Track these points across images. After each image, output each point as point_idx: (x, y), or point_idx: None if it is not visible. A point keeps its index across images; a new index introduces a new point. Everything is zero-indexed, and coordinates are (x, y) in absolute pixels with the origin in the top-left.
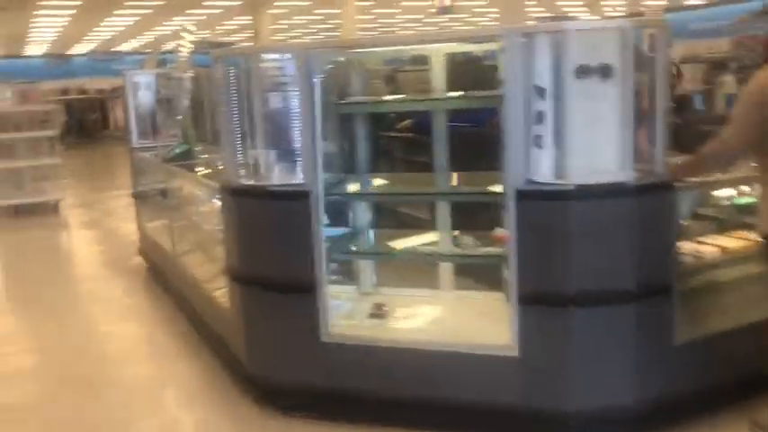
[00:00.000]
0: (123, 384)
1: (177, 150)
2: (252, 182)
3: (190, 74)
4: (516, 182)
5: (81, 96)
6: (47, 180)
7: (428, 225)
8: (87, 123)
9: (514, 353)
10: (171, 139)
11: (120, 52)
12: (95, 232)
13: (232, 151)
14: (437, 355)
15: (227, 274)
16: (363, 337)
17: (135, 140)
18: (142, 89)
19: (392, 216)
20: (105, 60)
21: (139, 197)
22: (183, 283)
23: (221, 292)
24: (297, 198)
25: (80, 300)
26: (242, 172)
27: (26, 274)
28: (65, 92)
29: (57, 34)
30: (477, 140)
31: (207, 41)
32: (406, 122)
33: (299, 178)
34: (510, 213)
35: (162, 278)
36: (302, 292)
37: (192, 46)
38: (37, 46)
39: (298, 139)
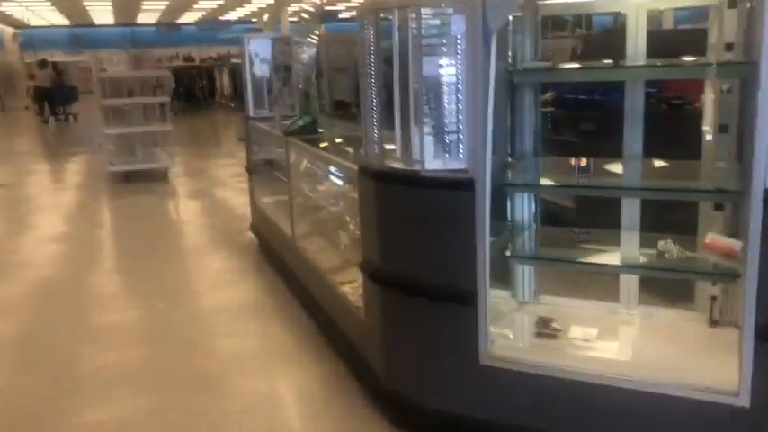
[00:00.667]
0: (234, 389)
1: (300, 123)
2: (401, 165)
3: (313, 39)
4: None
5: (189, 64)
6: (156, 146)
7: (599, 223)
8: (195, 91)
9: (743, 402)
10: (287, 109)
11: (227, 21)
12: (204, 203)
13: (375, 128)
14: (634, 394)
15: (363, 271)
16: (534, 364)
17: (251, 110)
18: (260, 55)
19: (554, 211)
20: (212, 29)
21: (254, 171)
22: (303, 270)
23: (351, 287)
24: (458, 187)
25: (188, 280)
26: (387, 153)
27: (134, 246)
28: (172, 60)
29: (167, 2)
30: (670, 121)
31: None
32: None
33: (461, 163)
34: (753, 220)
35: (277, 261)
36: (459, 301)
37: (314, 9)
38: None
39: (462, 114)
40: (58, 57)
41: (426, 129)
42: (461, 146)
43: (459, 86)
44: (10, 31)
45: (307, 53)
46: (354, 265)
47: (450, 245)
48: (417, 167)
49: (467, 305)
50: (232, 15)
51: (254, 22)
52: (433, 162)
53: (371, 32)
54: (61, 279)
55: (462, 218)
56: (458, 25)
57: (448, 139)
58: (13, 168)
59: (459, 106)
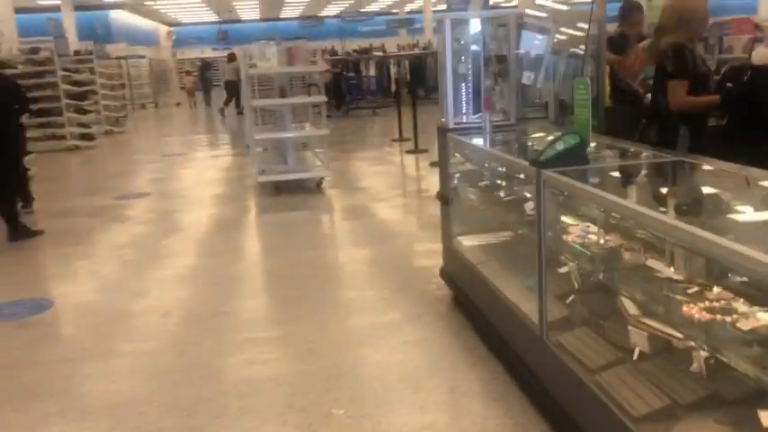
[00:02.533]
0: None
1: (560, 146)
2: None
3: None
4: None
5: (333, 58)
6: (309, 153)
7: None
8: (342, 87)
9: None
10: (497, 115)
11: (370, 12)
12: (368, 226)
13: None
14: None
15: None
16: None
17: (450, 117)
18: (464, 42)
19: None
20: (355, 21)
21: (447, 203)
22: (563, 387)
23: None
24: None
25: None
26: None
27: (280, 300)
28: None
29: None
30: None
31: None
32: None
33: None
34: None
35: (489, 334)
36: None
37: None
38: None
39: None
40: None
41: None
42: None
43: None
44: (164, 29)
45: (541, 38)
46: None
47: None
48: None
49: None
50: (373, 6)
51: (395, 12)
52: None
53: None
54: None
55: None
56: None
57: None
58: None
59: None
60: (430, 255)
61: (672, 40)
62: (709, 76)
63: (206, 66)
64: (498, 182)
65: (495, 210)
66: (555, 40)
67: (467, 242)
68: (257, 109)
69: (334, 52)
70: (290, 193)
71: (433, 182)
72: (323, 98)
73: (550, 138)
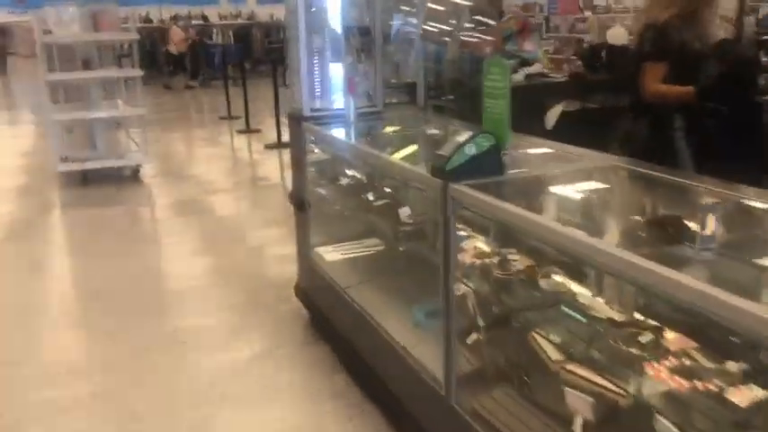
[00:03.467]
0: None
1: (470, 151)
2: None
3: None
4: None
5: (148, 25)
6: (123, 135)
7: None
8: (158, 57)
9: None
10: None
11: None
12: (201, 225)
13: None
14: None
15: None
16: None
17: (304, 104)
18: (319, 9)
19: None
20: None
21: (302, 207)
22: None
23: None
24: None
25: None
26: None
27: (99, 307)
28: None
29: None
30: None
31: None
32: None
33: None
34: None
35: (367, 378)
36: None
37: None
38: None
39: None
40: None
41: None
42: None
43: None
44: None
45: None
46: None
47: None
48: None
49: None
50: None
51: None
52: None
53: None
54: None
55: None
56: None
57: None
58: None
59: None
60: (282, 261)
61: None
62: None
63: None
64: (365, 180)
65: (363, 216)
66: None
67: (329, 255)
68: (58, 85)
69: (148, 19)
70: (101, 184)
71: (271, 168)
72: (137, 72)
73: (458, 138)
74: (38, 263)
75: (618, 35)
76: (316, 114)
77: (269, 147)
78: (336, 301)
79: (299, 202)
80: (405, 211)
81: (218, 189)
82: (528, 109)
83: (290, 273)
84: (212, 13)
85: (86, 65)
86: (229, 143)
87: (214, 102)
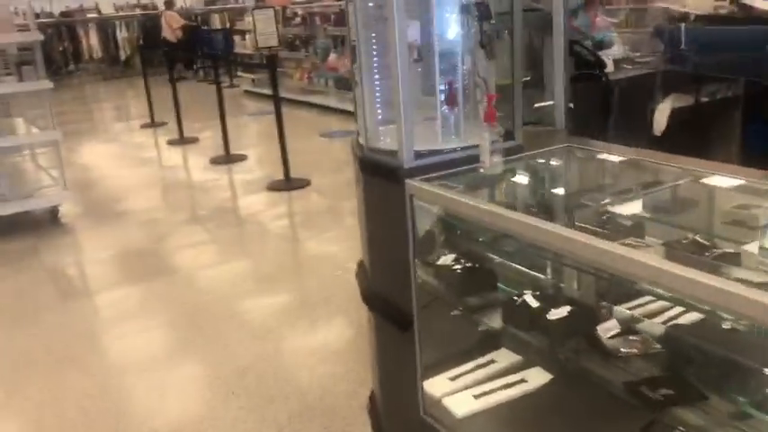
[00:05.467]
0: None
1: None
2: None
3: None
4: None
5: (45, 21)
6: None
7: None
8: (54, 56)
9: None
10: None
11: None
12: (169, 301)
13: None
14: None
15: None
16: None
17: (407, 146)
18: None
19: None
20: None
21: (407, 326)
22: None
23: None
24: None
25: None
26: None
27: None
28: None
29: None
30: None
31: None
32: None
33: None
34: None
35: None
36: None
37: None
38: None
39: None
40: None
41: None
42: None
43: None
44: None
45: None
46: None
47: None
48: None
49: None
50: None
51: None
52: None
53: None
54: None
55: None
56: None
57: None
58: None
59: None
60: (323, 362)
61: None
62: None
63: None
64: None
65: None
66: None
67: (459, 404)
68: None
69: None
70: (7, 235)
71: (228, 192)
72: (46, 84)
73: None
74: None
75: (702, 3)
76: (423, 163)
77: (215, 161)
78: None
79: (402, 318)
80: (608, 327)
81: (170, 230)
82: (625, 109)
83: (362, 396)
84: (107, 5)
85: None
86: (167, 160)
87: (123, 103)
